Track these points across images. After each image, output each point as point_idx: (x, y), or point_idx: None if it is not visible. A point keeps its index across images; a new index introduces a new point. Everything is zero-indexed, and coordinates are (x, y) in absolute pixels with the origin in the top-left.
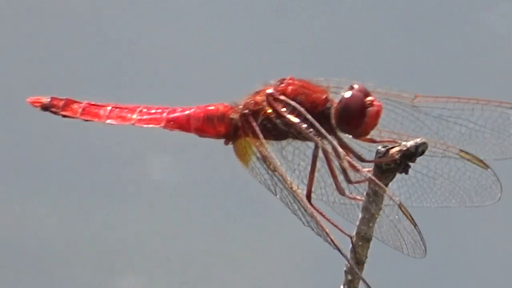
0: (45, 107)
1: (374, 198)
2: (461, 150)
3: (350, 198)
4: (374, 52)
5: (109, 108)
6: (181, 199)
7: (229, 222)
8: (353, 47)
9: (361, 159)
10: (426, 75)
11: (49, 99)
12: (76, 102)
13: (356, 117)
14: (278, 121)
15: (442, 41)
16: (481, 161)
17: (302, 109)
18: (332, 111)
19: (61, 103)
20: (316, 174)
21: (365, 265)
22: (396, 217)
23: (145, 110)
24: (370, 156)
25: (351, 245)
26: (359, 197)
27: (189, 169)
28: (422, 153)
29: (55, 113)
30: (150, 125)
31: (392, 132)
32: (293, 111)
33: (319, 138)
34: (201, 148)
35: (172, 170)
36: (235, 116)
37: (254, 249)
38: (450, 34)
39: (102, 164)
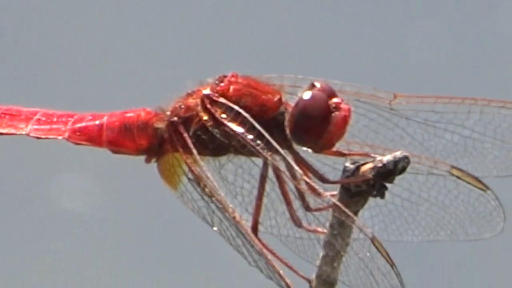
0: None
1: (340, 230)
2: (453, 167)
3: (309, 230)
4: (344, 43)
5: None
6: (94, 233)
7: (157, 264)
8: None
9: (323, 179)
10: (408, 70)
11: None
12: None
13: (317, 125)
14: (216, 131)
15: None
16: (478, 180)
17: (247, 115)
18: (287, 117)
19: None
20: (264, 200)
21: None
22: (368, 254)
23: (43, 118)
24: (336, 175)
25: None
26: (320, 230)
27: (103, 195)
28: (403, 170)
29: None
30: (50, 136)
31: (364, 144)
32: (236, 117)
33: (269, 153)
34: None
35: (84, 197)
36: (160, 125)
37: None
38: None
39: None
